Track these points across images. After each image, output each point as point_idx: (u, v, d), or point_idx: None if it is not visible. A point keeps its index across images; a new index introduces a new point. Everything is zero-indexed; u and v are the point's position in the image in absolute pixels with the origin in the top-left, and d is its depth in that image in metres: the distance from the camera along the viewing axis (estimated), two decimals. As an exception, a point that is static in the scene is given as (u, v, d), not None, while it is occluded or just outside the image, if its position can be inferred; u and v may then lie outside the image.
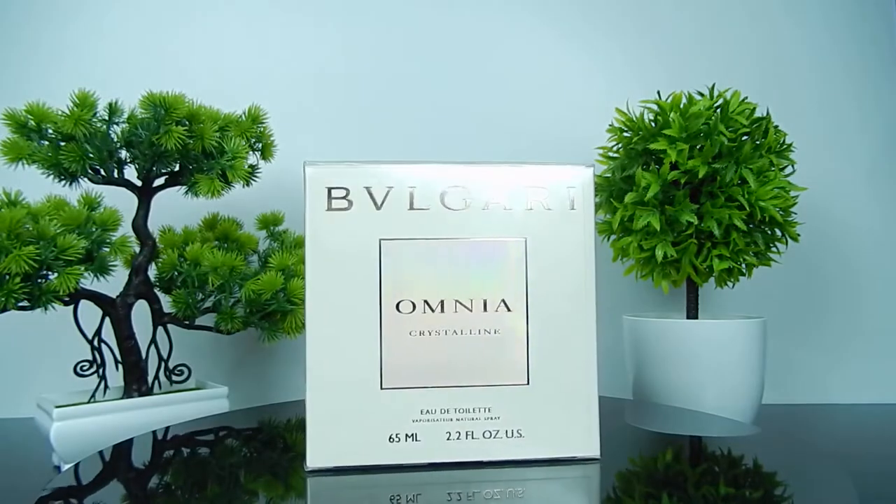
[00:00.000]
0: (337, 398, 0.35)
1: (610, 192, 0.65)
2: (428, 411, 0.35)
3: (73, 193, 0.60)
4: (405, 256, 0.36)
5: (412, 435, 0.35)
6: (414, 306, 0.35)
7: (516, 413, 0.36)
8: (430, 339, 0.36)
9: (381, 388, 0.35)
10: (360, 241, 0.35)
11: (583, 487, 0.34)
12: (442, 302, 0.36)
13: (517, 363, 0.36)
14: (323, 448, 0.35)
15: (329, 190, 0.36)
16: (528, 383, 0.36)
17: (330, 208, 0.36)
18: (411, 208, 0.36)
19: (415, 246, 0.36)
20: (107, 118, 0.57)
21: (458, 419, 0.36)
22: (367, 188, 0.36)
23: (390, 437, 0.35)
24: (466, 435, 0.36)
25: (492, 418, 0.36)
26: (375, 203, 0.36)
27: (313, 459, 0.35)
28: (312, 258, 0.35)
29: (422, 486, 0.34)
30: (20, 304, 0.51)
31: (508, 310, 0.36)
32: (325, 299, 0.35)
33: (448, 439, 0.35)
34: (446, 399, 0.36)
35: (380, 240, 0.36)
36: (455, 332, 0.36)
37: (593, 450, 0.36)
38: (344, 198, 0.36)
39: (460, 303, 0.36)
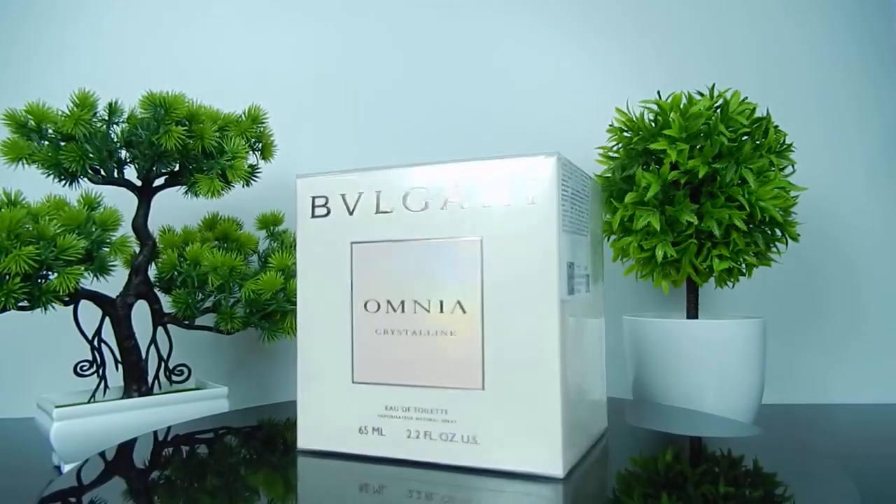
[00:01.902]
0: (319, 388, 0.39)
1: (610, 192, 0.65)
2: (392, 407, 0.37)
3: (73, 193, 0.60)
4: (371, 258, 0.37)
5: (378, 429, 0.37)
6: (379, 306, 0.37)
7: (471, 419, 0.35)
8: (392, 337, 0.37)
9: (353, 382, 0.38)
10: (337, 246, 0.38)
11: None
12: (402, 302, 0.36)
13: (472, 367, 0.35)
14: (308, 432, 0.39)
15: (313, 199, 0.39)
16: (483, 388, 0.35)
17: (313, 216, 0.39)
18: (377, 212, 0.37)
19: (379, 248, 0.37)
20: (107, 118, 0.57)
21: (417, 418, 0.36)
22: (342, 195, 0.38)
23: (360, 429, 0.37)
24: (425, 435, 0.36)
25: (448, 421, 0.35)
26: (348, 208, 0.38)
27: (301, 442, 0.39)
28: (301, 263, 0.39)
29: (387, 479, 0.34)
30: (20, 304, 0.51)
31: (464, 311, 0.35)
32: (310, 300, 0.39)
33: (409, 437, 0.36)
34: (407, 397, 0.36)
35: (351, 243, 0.38)
36: (415, 332, 0.36)
37: (555, 468, 0.33)
38: (324, 205, 0.38)
39: (419, 303, 0.36)
